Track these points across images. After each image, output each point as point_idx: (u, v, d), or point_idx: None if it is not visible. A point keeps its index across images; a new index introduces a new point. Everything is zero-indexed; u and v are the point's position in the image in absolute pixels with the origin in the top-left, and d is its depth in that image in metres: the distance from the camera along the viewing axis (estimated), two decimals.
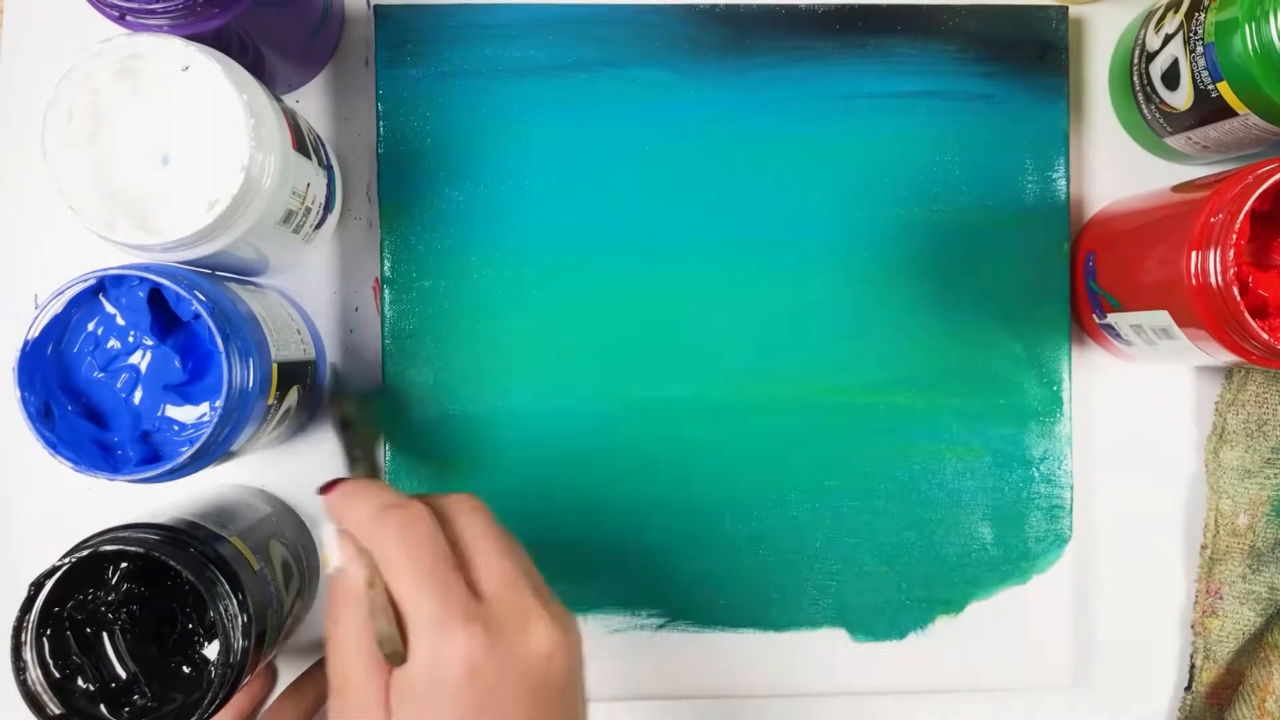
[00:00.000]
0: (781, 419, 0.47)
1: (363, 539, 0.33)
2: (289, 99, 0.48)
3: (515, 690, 0.32)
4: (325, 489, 0.35)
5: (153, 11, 0.36)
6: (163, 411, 0.39)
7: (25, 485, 0.47)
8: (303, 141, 0.40)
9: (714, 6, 0.47)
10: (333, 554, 0.33)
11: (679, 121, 0.47)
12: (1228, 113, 0.42)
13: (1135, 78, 0.47)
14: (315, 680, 0.45)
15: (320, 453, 0.48)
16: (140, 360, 0.38)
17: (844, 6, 0.48)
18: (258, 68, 0.39)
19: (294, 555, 0.44)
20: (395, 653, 0.31)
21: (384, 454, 0.46)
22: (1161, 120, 0.46)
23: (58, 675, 0.36)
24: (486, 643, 0.31)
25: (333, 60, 0.48)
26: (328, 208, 0.45)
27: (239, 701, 0.45)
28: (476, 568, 0.33)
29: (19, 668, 0.36)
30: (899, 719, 0.49)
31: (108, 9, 0.36)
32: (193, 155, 0.36)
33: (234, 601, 0.37)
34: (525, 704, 0.32)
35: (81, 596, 0.37)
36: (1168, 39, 0.43)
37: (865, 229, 0.48)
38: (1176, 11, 0.43)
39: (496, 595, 0.33)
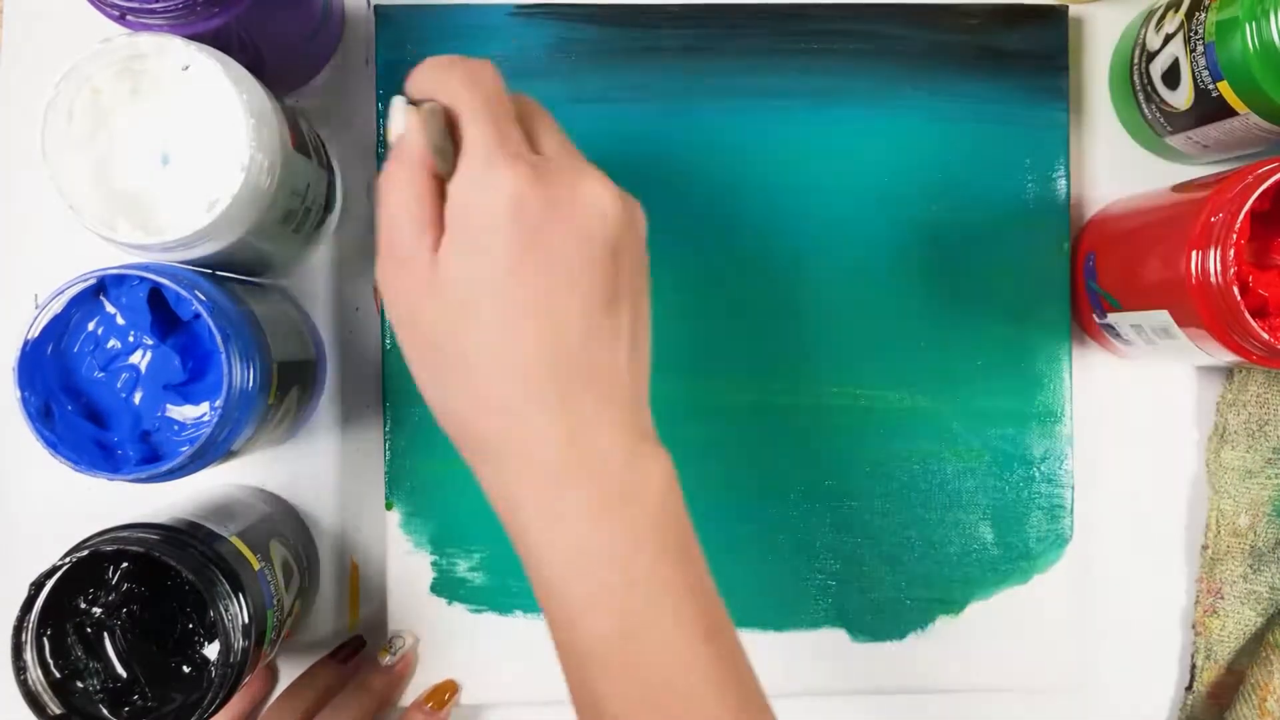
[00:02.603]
0: (781, 419, 0.47)
1: (431, 87, 0.33)
2: (289, 99, 0.48)
3: (562, 234, 0.31)
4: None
5: (153, 11, 0.36)
6: (163, 411, 0.39)
7: (25, 485, 0.47)
8: (303, 141, 0.40)
9: (715, 6, 0.47)
10: (395, 122, 0.33)
11: (680, 121, 0.47)
12: (1228, 112, 0.42)
13: (1135, 77, 0.47)
14: (315, 680, 0.45)
15: (320, 452, 0.48)
16: (140, 360, 0.38)
17: (845, 6, 0.48)
18: (258, 68, 0.39)
19: (294, 555, 0.44)
20: (446, 166, 0.32)
21: None
22: (1162, 120, 0.46)
23: (58, 675, 0.36)
24: (534, 183, 0.30)
25: (333, 60, 0.48)
26: (328, 208, 0.45)
27: (239, 701, 0.45)
28: (537, 131, 0.33)
29: (19, 668, 0.36)
30: (899, 719, 0.49)
31: (108, 9, 0.36)
32: (193, 155, 0.36)
33: (234, 601, 0.37)
34: (573, 251, 0.31)
35: (81, 596, 0.37)
36: (1168, 38, 0.43)
37: (865, 229, 0.48)
38: (1177, 11, 0.43)
39: (553, 153, 0.32)
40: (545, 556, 0.31)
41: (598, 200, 0.31)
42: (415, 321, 0.32)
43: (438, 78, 0.33)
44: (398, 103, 0.33)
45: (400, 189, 0.32)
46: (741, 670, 0.32)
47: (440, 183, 0.32)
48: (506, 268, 0.30)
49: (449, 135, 0.32)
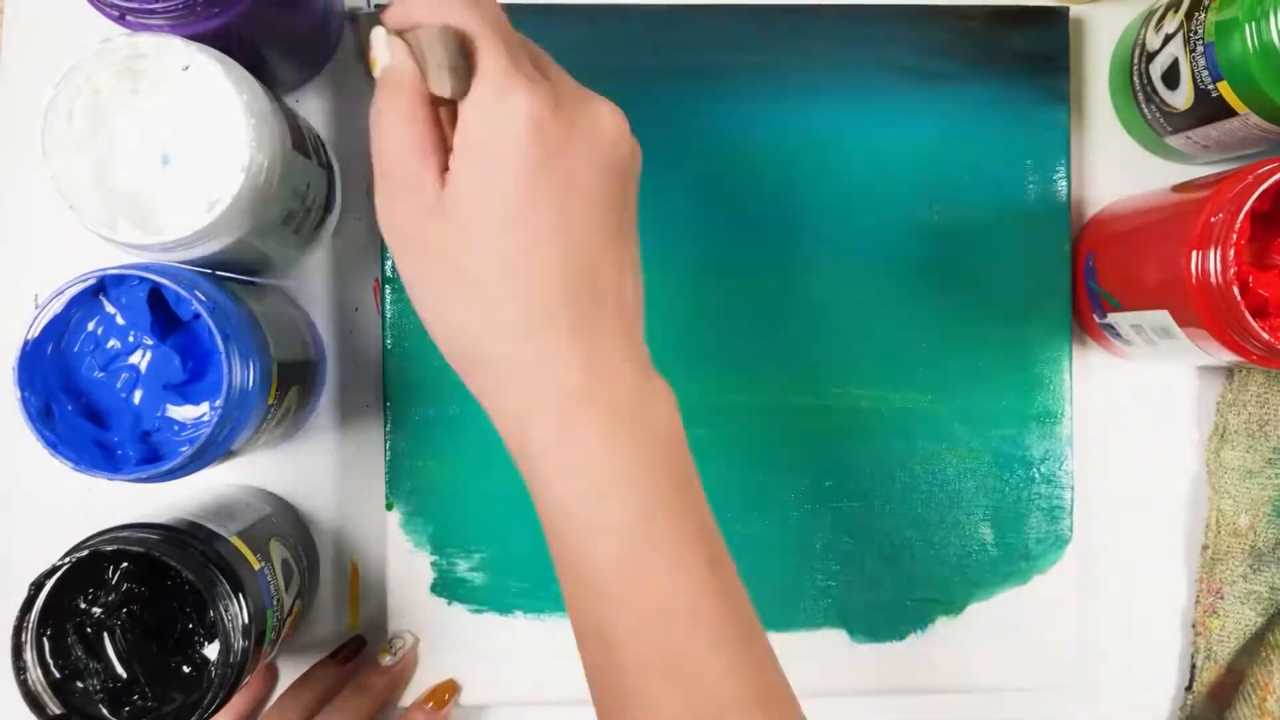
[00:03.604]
0: (781, 419, 0.47)
1: (434, 10, 0.31)
2: (289, 99, 0.48)
3: (581, 158, 0.30)
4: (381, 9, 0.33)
5: (153, 11, 0.36)
6: (163, 411, 0.39)
7: (25, 485, 0.47)
8: (303, 141, 0.40)
9: (715, 7, 0.47)
10: (381, 53, 0.32)
11: (680, 123, 0.47)
12: (1228, 112, 0.42)
13: (1135, 78, 0.47)
14: (316, 680, 0.45)
15: (320, 452, 0.48)
16: (140, 360, 0.38)
17: (845, 7, 0.48)
18: (258, 68, 0.39)
19: (294, 555, 0.44)
20: (460, 87, 0.31)
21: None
22: (1161, 120, 0.46)
23: (58, 675, 0.36)
24: (553, 105, 0.30)
25: (333, 60, 0.48)
26: (328, 208, 0.45)
27: (239, 701, 0.45)
28: (541, 62, 0.32)
29: (19, 668, 0.36)
30: (899, 719, 0.49)
31: (108, 9, 0.36)
32: (193, 155, 0.36)
33: (234, 601, 0.37)
34: (591, 175, 0.31)
35: (81, 596, 0.37)
36: (1168, 39, 0.43)
37: (866, 230, 0.48)
38: (1176, 11, 0.43)
39: (561, 81, 0.32)
40: (556, 481, 0.31)
41: (613, 128, 0.31)
42: (424, 246, 0.31)
43: (441, 4, 0.32)
44: (379, 33, 0.32)
45: (398, 118, 0.31)
46: (741, 600, 0.32)
47: (436, 108, 0.32)
48: (526, 187, 0.30)
49: (462, 55, 0.31)
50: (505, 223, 0.30)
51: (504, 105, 0.30)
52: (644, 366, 0.32)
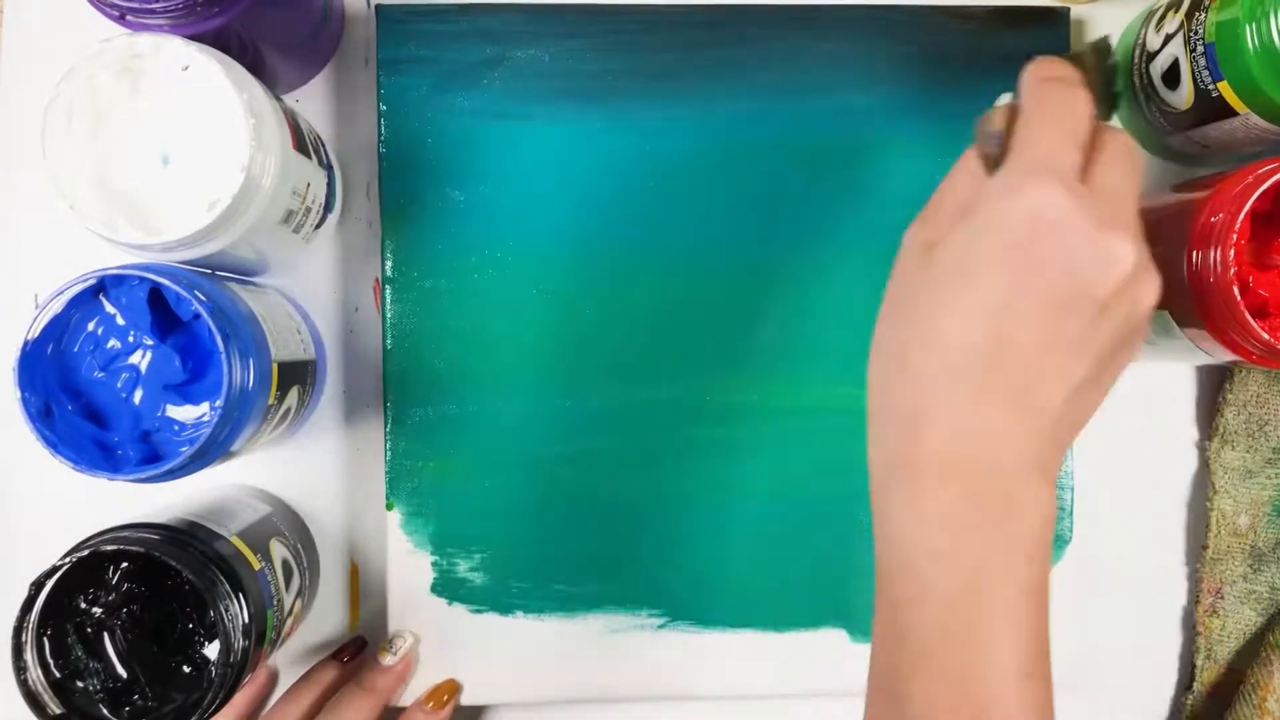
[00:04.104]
0: (781, 420, 0.47)
1: (1023, 92, 0.34)
2: (289, 99, 0.48)
3: (1056, 268, 0.30)
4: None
5: (153, 11, 0.36)
6: (163, 411, 0.39)
7: (25, 485, 0.47)
8: (303, 141, 0.41)
9: (713, 9, 0.47)
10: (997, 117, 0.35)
11: (678, 124, 0.47)
12: (1228, 112, 0.42)
13: (1135, 77, 0.47)
14: (316, 680, 0.45)
15: (320, 452, 0.48)
16: (140, 360, 0.38)
17: (843, 7, 0.48)
18: (258, 68, 0.39)
19: (294, 555, 0.44)
20: (991, 156, 0.33)
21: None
22: (1162, 120, 0.46)
23: (58, 675, 0.36)
24: (1060, 209, 0.30)
25: (333, 60, 0.48)
26: (328, 208, 0.45)
27: (239, 701, 0.45)
28: (1098, 165, 0.32)
29: (19, 668, 0.36)
30: None
31: (108, 9, 0.36)
32: (193, 155, 0.36)
33: (234, 601, 0.37)
34: (1057, 288, 0.30)
35: (82, 596, 0.37)
36: (1168, 39, 0.43)
37: (865, 231, 0.48)
38: (1177, 11, 0.43)
39: (1103, 189, 0.31)
40: (902, 535, 0.32)
41: (1112, 257, 0.30)
42: (906, 280, 0.33)
43: (1027, 86, 0.34)
44: (1003, 100, 0.35)
45: (960, 164, 0.34)
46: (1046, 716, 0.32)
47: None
48: (990, 261, 0.30)
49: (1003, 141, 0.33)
50: (957, 283, 0.31)
51: (1010, 190, 0.31)
52: (1034, 470, 0.32)
